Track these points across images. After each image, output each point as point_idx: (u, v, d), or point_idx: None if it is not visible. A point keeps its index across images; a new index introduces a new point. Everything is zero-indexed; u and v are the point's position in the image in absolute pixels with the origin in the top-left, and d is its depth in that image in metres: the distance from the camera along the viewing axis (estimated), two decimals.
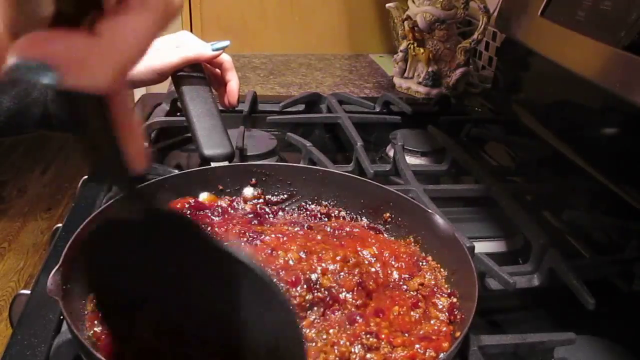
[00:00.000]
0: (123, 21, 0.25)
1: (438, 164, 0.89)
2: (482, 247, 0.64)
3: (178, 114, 0.99)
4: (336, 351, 0.43)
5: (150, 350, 0.40)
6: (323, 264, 0.50)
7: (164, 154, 0.87)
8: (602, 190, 0.77)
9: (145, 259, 0.37)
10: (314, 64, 1.48)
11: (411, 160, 0.89)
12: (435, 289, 0.52)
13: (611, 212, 0.77)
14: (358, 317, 0.47)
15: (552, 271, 0.60)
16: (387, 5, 1.29)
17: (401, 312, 0.49)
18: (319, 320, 0.47)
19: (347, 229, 0.59)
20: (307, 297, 0.47)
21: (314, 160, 0.81)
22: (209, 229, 0.35)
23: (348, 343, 0.44)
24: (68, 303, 0.43)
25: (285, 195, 0.66)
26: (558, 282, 0.59)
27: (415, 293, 0.52)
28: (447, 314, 0.50)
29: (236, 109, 0.86)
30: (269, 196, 0.66)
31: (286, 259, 0.50)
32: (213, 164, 0.68)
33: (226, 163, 0.69)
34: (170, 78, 0.80)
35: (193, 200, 0.62)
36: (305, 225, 0.60)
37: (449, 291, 0.52)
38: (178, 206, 0.59)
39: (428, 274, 0.54)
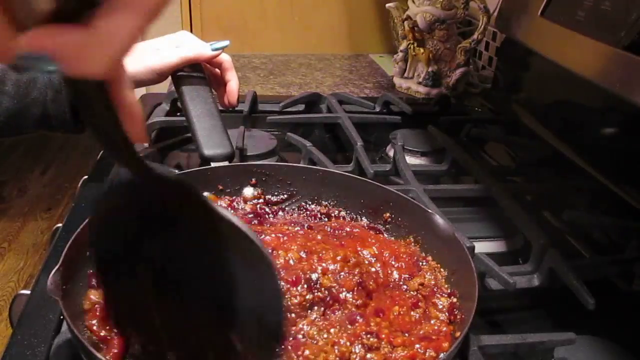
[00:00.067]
0: (115, 16, 0.28)
1: (438, 164, 0.89)
2: (482, 247, 0.64)
3: (178, 114, 0.99)
4: (336, 351, 0.43)
5: (145, 307, 0.42)
6: (323, 264, 0.50)
7: (164, 154, 0.87)
8: (602, 190, 0.77)
9: (144, 222, 0.40)
10: (314, 64, 1.48)
11: (411, 160, 0.89)
12: (435, 289, 0.53)
13: (611, 212, 0.77)
14: (358, 317, 0.47)
15: (552, 271, 0.60)
16: (387, 5, 1.29)
17: (401, 312, 0.49)
18: (319, 320, 0.47)
19: (347, 229, 0.59)
20: (307, 297, 0.47)
21: (314, 160, 0.81)
22: (204, 196, 0.39)
23: (348, 343, 0.44)
24: (68, 303, 0.43)
25: (285, 195, 0.66)
26: (558, 282, 0.59)
27: (415, 293, 0.52)
28: (447, 314, 0.50)
29: (236, 109, 0.86)
30: (269, 196, 0.66)
31: (287, 258, 0.50)
32: (213, 164, 0.68)
33: (226, 163, 0.69)
34: (170, 78, 0.80)
35: None
36: (306, 225, 0.60)
37: (449, 291, 0.52)
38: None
39: (428, 274, 0.54)
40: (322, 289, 0.48)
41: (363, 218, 0.64)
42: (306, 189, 0.66)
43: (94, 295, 0.47)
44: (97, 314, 0.46)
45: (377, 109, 1.08)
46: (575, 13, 0.83)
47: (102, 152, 0.89)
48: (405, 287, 0.53)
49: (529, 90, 1.06)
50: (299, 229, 0.58)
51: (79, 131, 0.76)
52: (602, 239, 0.75)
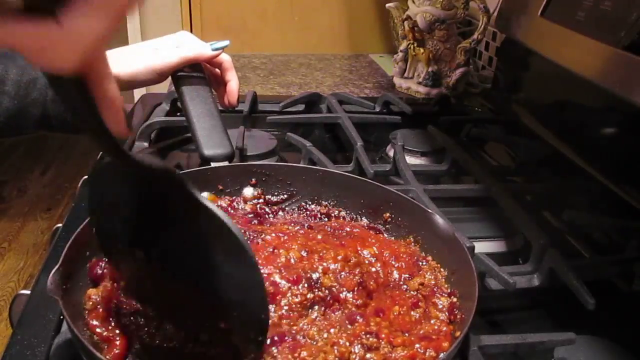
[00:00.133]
0: (84, 13, 0.28)
1: (438, 164, 0.89)
2: (482, 247, 0.64)
3: (178, 114, 0.99)
4: (336, 351, 0.43)
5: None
6: (324, 264, 0.50)
7: (164, 154, 0.87)
8: (602, 190, 0.77)
9: (135, 206, 0.41)
10: (314, 64, 1.48)
11: (411, 160, 0.89)
12: (435, 289, 0.52)
13: (611, 212, 0.77)
14: (358, 317, 0.47)
15: (552, 271, 0.60)
16: (387, 5, 1.29)
17: (401, 312, 0.49)
18: (319, 319, 0.47)
19: (347, 229, 0.59)
20: (308, 296, 0.47)
21: (314, 160, 0.81)
22: (189, 185, 0.39)
23: (348, 343, 0.44)
24: (68, 303, 0.43)
25: (285, 195, 0.66)
26: (558, 282, 0.59)
27: (415, 293, 0.52)
28: (447, 313, 0.50)
29: (236, 109, 0.86)
30: (269, 196, 0.66)
31: (287, 257, 0.50)
32: (213, 164, 0.68)
33: (226, 163, 0.69)
34: (170, 78, 0.80)
35: None
36: (306, 225, 0.60)
37: (449, 291, 0.52)
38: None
39: (428, 273, 0.54)
40: (323, 288, 0.48)
41: (363, 218, 0.64)
42: (306, 189, 0.66)
43: (95, 295, 0.47)
44: (98, 313, 0.46)
45: (377, 109, 1.08)
46: (575, 13, 0.83)
47: (101, 152, 0.89)
48: (405, 287, 0.53)
49: (529, 90, 1.06)
50: (299, 228, 0.58)
51: (79, 131, 0.76)
52: (602, 239, 0.75)
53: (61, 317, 0.51)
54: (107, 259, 0.48)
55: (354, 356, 0.43)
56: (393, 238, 0.61)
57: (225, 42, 0.79)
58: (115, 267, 0.47)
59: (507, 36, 1.10)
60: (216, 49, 0.78)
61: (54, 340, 0.49)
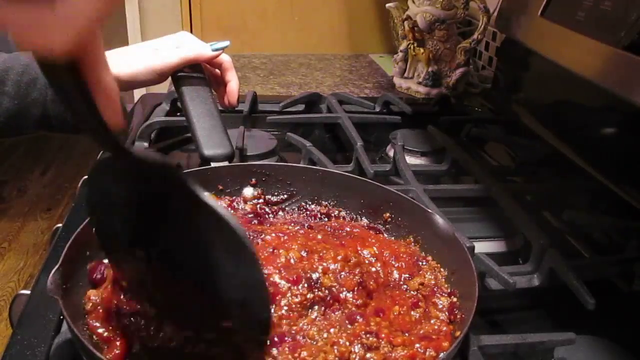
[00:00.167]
0: None
1: (438, 164, 0.89)
2: (482, 247, 0.64)
3: (178, 114, 0.99)
4: (336, 351, 0.43)
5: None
6: (324, 264, 0.50)
7: (164, 154, 0.87)
8: (602, 190, 0.77)
9: (134, 205, 0.40)
10: (314, 64, 1.48)
11: (411, 160, 0.89)
12: (435, 289, 0.52)
13: (611, 212, 0.77)
14: (358, 317, 0.47)
15: (552, 271, 0.60)
16: (387, 5, 1.29)
17: (401, 312, 0.49)
18: (319, 319, 0.47)
19: (347, 229, 0.59)
20: (308, 296, 0.47)
21: (314, 160, 0.81)
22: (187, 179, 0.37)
23: (348, 342, 0.44)
24: (68, 303, 0.43)
25: (285, 195, 0.66)
26: (558, 282, 0.59)
27: (415, 293, 0.52)
28: (447, 313, 0.50)
29: (236, 109, 0.86)
30: (269, 196, 0.66)
31: (287, 257, 0.50)
32: (213, 164, 0.68)
33: (226, 163, 0.69)
34: (170, 78, 0.80)
35: None
36: (306, 225, 0.60)
37: (449, 291, 0.52)
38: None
39: (428, 273, 0.54)
40: (323, 288, 0.48)
41: (363, 218, 0.64)
42: (306, 189, 0.66)
43: (95, 296, 0.47)
44: (99, 314, 0.46)
45: (377, 109, 1.08)
46: (575, 13, 0.83)
47: (102, 152, 0.89)
48: (405, 286, 0.53)
49: (529, 90, 1.06)
50: (299, 228, 0.58)
51: (79, 132, 0.76)
52: (602, 239, 0.75)
53: (61, 317, 0.52)
54: (107, 259, 0.48)
55: (354, 356, 0.43)
56: (393, 238, 0.61)
57: (226, 43, 0.79)
58: (116, 267, 0.46)
59: (507, 36, 1.10)
60: (216, 50, 0.78)
61: (54, 340, 0.49)
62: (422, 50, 1.20)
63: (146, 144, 0.88)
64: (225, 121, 0.75)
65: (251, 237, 0.53)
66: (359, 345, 0.44)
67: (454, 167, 0.85)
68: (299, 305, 0.47)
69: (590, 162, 0.81)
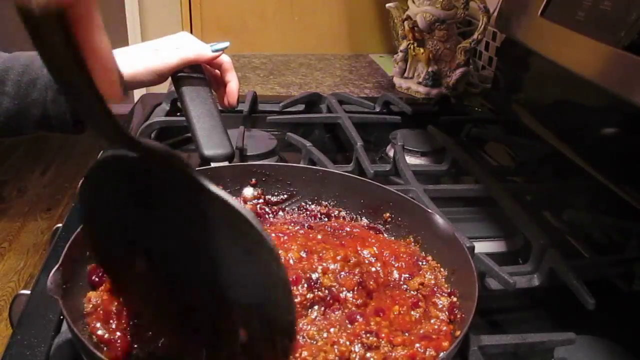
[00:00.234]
0: None
1: (438, 164, 0.89)
2: (482, 247, 0.64)
3: (178, 114, 0.99)
4: (336, 350, 0.43)
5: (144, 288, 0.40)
6: (324, 264, 0.50)
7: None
8: (602, 190, 0.77)
9: (132, 198, 0.37)
10: (314, 64, 1.49)
11: (411, 160, 0.89)
12: (435, 289, 0.53)
13: (611, 212, 0.77)
14: (358, 317, 0.47)
15: (552, 271, 0.60)
16: (387, 5, 1.29)
17: (401, 312, 0.49)
18: (319, 319, 0.47)
19: (347, 229, 0.60)
20: (308, 296, 0.47)
21: (314, 160, 0.81)
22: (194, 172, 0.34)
23: (348, 342, 0.44)
24: (68, 303, 0.43)
25: (285, 195, 0.66)
26: (558, 282, 0.59)
27: (415, 292, 0.52)
28: (447, 313, 0.50)
29: (236, 109, 0.86)
30: (269, 196, 0.66)
31: (287, 258, 0.50)
32: (213, 164, 0.68)
33: (226, 163, 0.69)
34: (170, 78, 0.80)
35: None
36: (306, 225, 0.60)
37: (449, 291, 0.52)
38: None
39: (428, 273, 0.54)
40: (323, 288, 0.48)
41: (363, 218, 0.64)
42: (306, 189, 0.66)
43: (95, 297, 0.47)
44: (99, 315, 0.46)
45: (377, 109, 1.08)
46: (575, 13, 0.83)
47: (102, 152, 0.89)
48: (405, 286, 0.53)
49: (529, 90, 1.06)
50: (299, 228, 0.58)
51: (79, 132, 0.76)
52: (602, 239, 0.75)
53: (61, 317, 0.51)
54: (104, 270, 0.45)
55: (354, 355, 0.43)
56: (393, 238, 0.61)
57: (226, 44, 0.79)
58: (114, 280, 0.44)
59: (507, 36, 1.10)
60: (216, 51, 0.78)
61: (54, 340, 0.49)
62: (422, 50, 1.20)
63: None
64: (225, 121, 0.75)
65: None
66: (359, 345, 0.44)
67: (454, 167, 0.85)
68: (298, 306, 0.47)
69: (590, 162, 0.81)
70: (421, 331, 0.47)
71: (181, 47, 0.77)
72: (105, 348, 0.44)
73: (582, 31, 0.80)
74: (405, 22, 1.21)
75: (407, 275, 0.54)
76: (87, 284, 0.49)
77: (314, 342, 0.44)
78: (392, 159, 0.82)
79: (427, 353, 0.44)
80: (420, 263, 0.56)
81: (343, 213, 0.65)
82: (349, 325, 0.46)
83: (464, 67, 1.20)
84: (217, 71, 0.83)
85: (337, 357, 0.42)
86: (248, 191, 0.66)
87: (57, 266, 0.44)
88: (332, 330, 0.45)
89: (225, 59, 0.81)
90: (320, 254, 0.51)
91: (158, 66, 0.76)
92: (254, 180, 0.66)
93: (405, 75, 1.27)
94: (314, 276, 0.49)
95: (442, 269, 0.55)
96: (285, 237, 0.54)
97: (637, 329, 0.59)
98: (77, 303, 0.46)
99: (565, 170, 0.86)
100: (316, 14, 1.56)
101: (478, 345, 0.48)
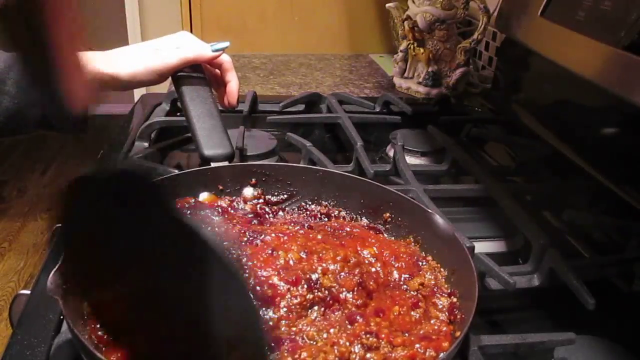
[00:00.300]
0: None
1: (438, 164, 0.89)
2: (482, 247, 0.64)
3: (178, 114, 0.99)
4: (336, 351, 0.43)
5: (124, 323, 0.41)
6: (324, 264, 0.50)
7: (164, 154, 0.87)
8: (602, 190, 0.77)
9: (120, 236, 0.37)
10: (314, 64, 1.48)
11: (411, 160, 0.89)
12: (435, 289, 0.53)
13: (611, 212, 0.77)
14: (358, 317, 0.47)
15: (552, 271, 0.60)
16: (387, 5, 1.29)
17: (401, 312, 0.49)
18: (319, 320, 0.47)
19: (347, 229, 0.59)
20: (307, 297, 0.47)
21: (314, 160, 0.81)
22: (178, 209, 0.35)
23: (348, 343, 0.44)
24: (68, 303, 0.43)
25: (285, 195, 0.66)
26: (558, 282, 0.59)
27: (415, 293, 0.52)
28: (447, 313, 0.50)
29: (236, 109, 0.86)
30: (269, 196, 0.66)
31: (287, 259, 0.50)
32: (213, 164, 0.68)
33: (226, 163, 0.69)
34: (170, 78, 0.80)
35: (193, 200, 0.62)
36: (306, 225, 0.60)
37: (449, 291, 0.52)
38: (178, 206, 0.58)
39: (428, 273, 0.54)
40: (322, 289, 0.48)
41: (363, 218, 0.64)
42: (306, 189, 0.66)
43: None
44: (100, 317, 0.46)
45: (377, 109, 1.08)
46: (575, 13, 0.83)
47: (102, 152, 0.89)
48: (405, 287, 0.53)
49: (529, 90, 1.06)
50: (299, 228, 0.58)
51: (79, 131, 0.76)
52: (602, 239, 0.75)
53: (61, 317, 0.51)
54: (87, 302, 0.44)
55: (354, 356, 0.43)
56: (393, 238, 0.61)
57: (226, 44, 0.79)
58: (98, 315, 0.43)
59: (507, 36, 1.10)
60: (216, 50, 0.78)
61: (54, 340, 0.49)
62: (422, 50, 1.20)
63: (146, 144, 0.88)
64: (225, 121, 0.75)
65: (250, 238, 0.53)
66: (359, 346, 0.44)
67: (454, 167, 0.85)
68: (298, 306, 0.47)
69: (590, 162, 0.81)
70: (421, 332, 0.47)
71: (181, 47, 0.77)
72: (104, 348, 0.44)
73: (582, 31, 0.80)
74: (405, 22, 1.21)
75: (407, 276, 0.54)
76: None
77: (314, 343, 0.44)
78: (392, 159, 0.82)
79: (427, 354, 0.44)
80: (420, 263, 0.56)
81: (343, 213, 0.65)
82: (349, 326, 0.46)
83: (464, 67, 1.20)
84: (217, 71, 0.83)
85: (336, 358, 0.42)
86: (248, 191, 0.66)
87: (57, 266, 0.44)
88: (331, 330, 0.45)
89: (225, 59, 0.81)
90: (320, 255, 0.51)
91: (158, 66, 0.76)
92: (254, 180, 0.66)
93: (405, 75, 1.27)
94: (314, 277, 0.49)
95: (442, 269, 0.55)
96: (285, 237, 0.54)
97: (637, 329, 0.59)
98: (77, 303, 0.46)
99: (565, 170, 0.86)
100: (316, 14, 1.56)
101: (478, 345, 0.48)
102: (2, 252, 2.36)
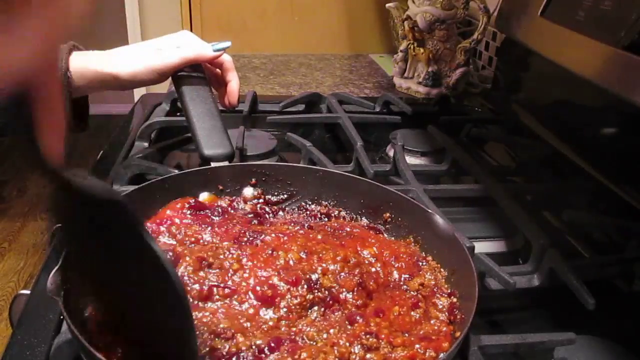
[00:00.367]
0: (24, 14, 0.25)
1: (438, 164, 0.89)
2: (482, 247, 0.64)
3: (178, 114, 0.99)
4: (336, 351, 0.43)
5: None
6: (323, 264, 0.50)
7: (164, 154, 0.87)
8: (602, 190, 0.77)
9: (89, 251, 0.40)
10: (314, 64, 1.48)
11: (411, 160, 0.89)
12: (435, 289, 0.52)
13: (611, 212, 0.77)
14: (358, 317, 0.47)
15: (552, 271, 0.60)
16: (387, 5, 1.29)
17: (401, 312, 0.49)
18: (319, 320, 0.47)
19: (347, 229, 0.59)
20: (307, 297, 0.47)
21: (314, 160, 0.81)
22: (136, 222, 0.37)
23: (348, 343, 0.44)
24: (68, 303, 0.43)
25: (285, 195, 0.66)
26: (558, 282, 0.59)
27: (415, 293, 0.52)
28: (447, 314, 0.50)
29: (236, 109, 0.86)
30: (269, 196, 0.66)
31: (287, 259, 0.50)
32: (213, 164, 0.68)
33: (226, 163, 0.69)
34: (170, 78, 0.80)
35: (193, 200, 0.62)
36: (306, 225, 0.60)
37: (449, 291, 0.52)
38: (178, 206, 0.59)
39: (428, 274, 0.54)
40: (322, 289, 0.48)
41: (363, 218, 0.64)
42: (306, 189, 0.66)
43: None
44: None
45: (377, 109, 1.08)
46: (575, 13, 0.83)
47: (101, 152, 0.89)
48: (405, 287, 0.53)
49: (529, 90, 1.06)
50: (299, 228, 0.58)
51: (79, 131, 0.76)
52: (602, 239, 0.76)
53: (61, 317, 0.51)
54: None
55: (354, 356, 0.43)
56: (393, 238, 0.61)
57: (227, 43, 0.79)
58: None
59: (507, 36, 1.10)
60: (218, 50, 0.78)
61: (54, 340, 0.49)
62: (422, 50, 1.20)
63: (146, 144, 0.88)
64: (225, 121, 0.74)
65: (250, 238, 0.53)
66: (359, 346, 0.44)
67: (454, 167, 0.85)
68: (298, 307, 0.47)
69: (590, 162, 0.81)
70: (421, 332, 0.47)
71: (182, 46, 0.77)
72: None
73: (582, 31, 0.80)
74: (405, 22, 1.21)
75: (407, 276, 0.54)
76: None
77: (314, 343, 0.44)
78: (392, 159, 0.82)
79: (427, 354, 0.44)
80: (420, 263, 0.56)
81: (343, 213, 0.65)
82: (349, 326, 0.46)
83: (464, 67, 1.20)
84: (217, 70, 0.83)
85: (336, 358, 0.42)
86: (248, 191, 0.66)
87: (57, 267, 0.44)
88: (331, 331, 0.45)
89: (226, 59, 0.81)
90: (320, 255, 0.51)
91: (159, 65, 0.76)
92: (254, 180, 0.66)
93: (405, 75, 1.27)
94: (314, 277, 0.49)
95: (442, 270, 0.55)
96: (285, 238, 0.54)
97: (637, 329, 0.59)
98: (77, 303, 0.46)
99: (565, 170, 0.86)
100: (316, 14, 1.56)
101: (478, 345, 0.48)
102: (2, 252, 2.36)
